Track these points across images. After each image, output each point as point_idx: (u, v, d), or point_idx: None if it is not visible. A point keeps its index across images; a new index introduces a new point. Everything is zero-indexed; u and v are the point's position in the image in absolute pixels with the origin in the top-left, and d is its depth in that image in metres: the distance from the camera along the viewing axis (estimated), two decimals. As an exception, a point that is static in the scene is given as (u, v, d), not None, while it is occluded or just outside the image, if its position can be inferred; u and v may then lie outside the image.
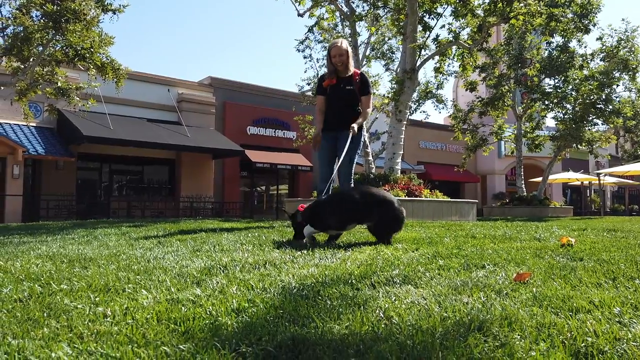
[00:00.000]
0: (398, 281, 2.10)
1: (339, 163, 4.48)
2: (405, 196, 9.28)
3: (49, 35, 10.66)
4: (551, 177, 22.58)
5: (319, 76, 4.92)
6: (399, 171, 10.83)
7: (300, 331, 1.44)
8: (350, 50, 4.61)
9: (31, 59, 10.85)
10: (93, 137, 15.19)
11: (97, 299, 1.91)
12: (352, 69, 4.62)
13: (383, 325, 1.49)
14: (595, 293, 1.81)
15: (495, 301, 1.72)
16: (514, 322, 1.46)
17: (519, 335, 1.37)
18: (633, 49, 18.68)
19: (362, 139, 4.80)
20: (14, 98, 11.63)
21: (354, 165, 4.81)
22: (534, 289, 1.88)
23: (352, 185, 4.81)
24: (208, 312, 1.67)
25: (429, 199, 9.71)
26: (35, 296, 1.99)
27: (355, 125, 4.33)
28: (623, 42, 18.73)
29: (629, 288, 1.90)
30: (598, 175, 21.71)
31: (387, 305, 1.69)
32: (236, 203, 20.46)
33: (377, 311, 1.63)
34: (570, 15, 15.71)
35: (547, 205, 18.81)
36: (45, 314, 1.70)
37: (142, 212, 17.42)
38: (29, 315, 1.69)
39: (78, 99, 11.87)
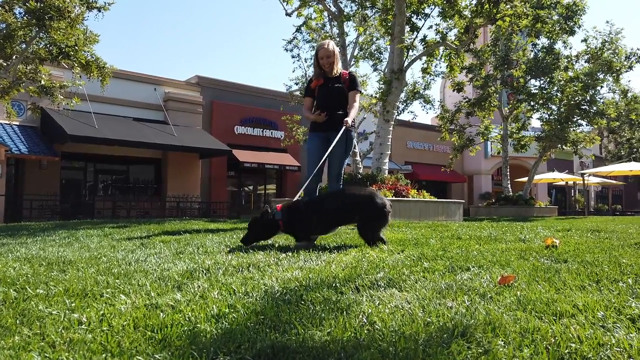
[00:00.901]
0: (382, 284, 2.08)
1: (328, 163, 4.49)
2: (392, 196, 9.28)
3: (32, 33, 10.48)
4: (536, 177, 22.80)
5: (307, 78, 4.96)
6: (387, 171, 10.84)
7: (280, 338, 1.40)
8: (337, 51, 4.63)
9: (14, 57, 10.66)
10: (77, 136, 14.96)
11: (73, 304, 1.85)
12: (339, 69, 4.63)
13: (366, 331, 1.47)
14: (579, 296, 1.80)
15: (479, 305, 1.70)
16: (498, 328, 1.44)
17: (502, 341, 1.35)
18: (617, 51, 18.90)
19: (352, 138, 4.81)
20: (-5, 96, 11.41)
21: (344, 166, 4.81)
22: (518, 293, 1.86)
23: (341, 185, 4.80)
24: (187, 318, 1.63)
25: (415, 199, 9.73)
26: (9, 302, 1.93)
27: (349, 120, 4.32)
28: (607, 44, 18.95)
29: (613, 291, 1.90)
30: (582, 175, 21.99)
31: (370, 310, 1.66)
32: (223, 203, 20.34)
33: (360, 316, 1.60)
34: (555, 17, 15.86)
35: (533, 205, 18.99)
36: (17, 321, 1.65)
37: (127, 212, 17.23)
38: (1, 323, 1.63)
39: (62, 97, 11.70)
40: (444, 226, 5.64)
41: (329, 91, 4.60)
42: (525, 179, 21.61)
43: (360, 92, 4.84)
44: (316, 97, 4.69)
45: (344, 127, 4.25)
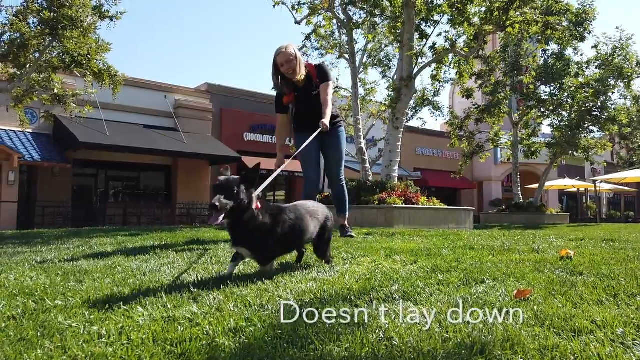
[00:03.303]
0: (397, 297, 2.07)
1: (325, 164, 4.44)
2: (402, 204, 9.26)
3: (45, 42, 10.64)
4: (547, 183, 22.64)
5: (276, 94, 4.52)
6: (396, 178, 10.82)
7: (299, 354, 1.41)
8: (298, 53, 4.21)
9: (27, 66, 10.81)
10: (89, 144, 15.15)
11: (92, 316, 1.87)
12: (303, 73, 4.23)
13: (384, 347, 1.47)
14: (597, 311, 1.79)
15: (496, 320, 1.69)
16: (517, 345, 1.44)
17: (522, 359, 1.34)
18: (628, 56, 18.80)
19: (343, 133, 4.69)
20: (10, 104, 11.59)
21: (343, 164, 4.74)
22: (535, 307, 1.85)
23: (343, 185, 4.74)
24: (205, 332, 1.64)
25: (426, 206, 9.69)
26: (29, 313, 1.95)
27: (325, 121, 4.05)
28: (618, 50, 18.85)
29: (631, 306, 1.88)
30: (594, 182, 21.79)
31: (387, 325, 1.66)
32: (233, 209, 20.39)
33: (377, 331, 1.60)
34: (565, 24, 15.79)
35: (544, 212, 18.84)
36: (39, 334, 1.67)
37: (138, 219, 17.35)
38: (23, 335, 1.65)
39: (74, 105, 11.84)
40: (455, 235, 5.62)
41: (306, 102, 4.33)
42: (536, 185, 21.46)
43: (332, 80, 4.43)
44: (295, 104, 4.40)
45: (319, 129, 3.96)
